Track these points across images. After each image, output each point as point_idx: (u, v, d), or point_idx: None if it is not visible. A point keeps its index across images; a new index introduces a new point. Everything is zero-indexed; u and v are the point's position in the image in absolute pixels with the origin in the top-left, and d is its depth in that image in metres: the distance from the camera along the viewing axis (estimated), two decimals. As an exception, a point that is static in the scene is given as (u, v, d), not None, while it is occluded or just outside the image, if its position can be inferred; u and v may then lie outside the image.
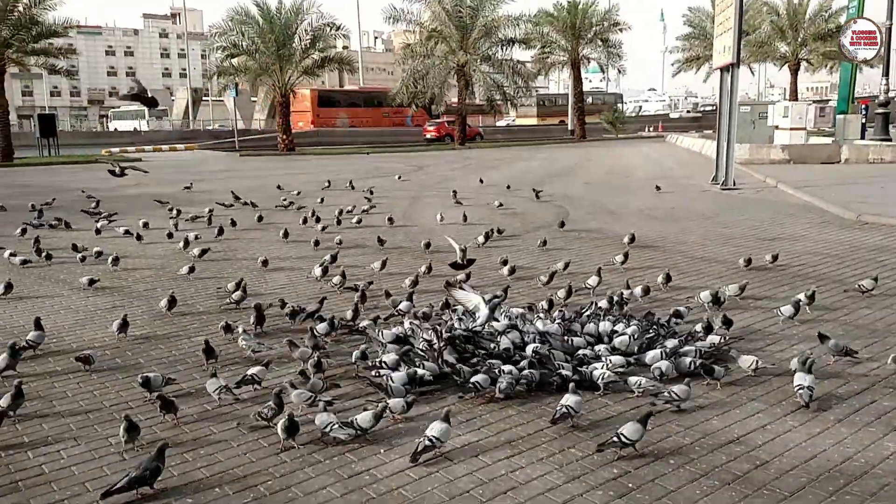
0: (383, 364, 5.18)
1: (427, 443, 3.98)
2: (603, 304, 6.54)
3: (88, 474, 3.90)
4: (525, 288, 7.87)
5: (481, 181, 19.36)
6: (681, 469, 3.87)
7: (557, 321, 6.04)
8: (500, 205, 14.53)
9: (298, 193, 16.94)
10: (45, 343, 5.95)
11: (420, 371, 5.00)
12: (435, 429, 4.02)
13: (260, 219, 12.77)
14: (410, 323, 6.04)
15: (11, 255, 9.59)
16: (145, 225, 12.25)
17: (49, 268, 9.33)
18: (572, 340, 5.63)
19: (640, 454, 4.01)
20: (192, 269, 8.65)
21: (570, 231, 11.58)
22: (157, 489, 3.69)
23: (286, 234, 11.07)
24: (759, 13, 45.12)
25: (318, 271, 8.37)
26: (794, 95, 48.07)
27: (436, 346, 5.37)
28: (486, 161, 30.21)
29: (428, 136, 47.46)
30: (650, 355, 5.25)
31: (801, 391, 4.60)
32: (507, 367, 4.99)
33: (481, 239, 10.42)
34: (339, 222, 12.35)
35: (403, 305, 6.59)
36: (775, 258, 8.73)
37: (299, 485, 3.77)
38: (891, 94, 23.93)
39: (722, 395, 4.84)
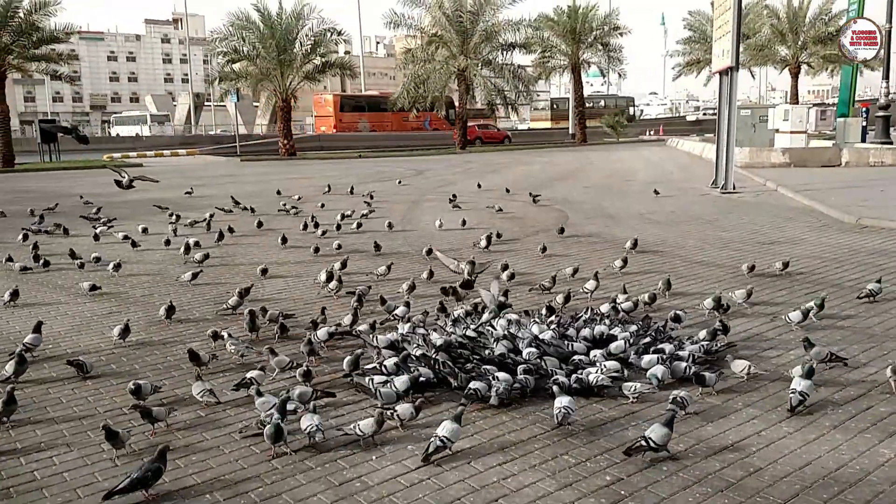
0: (384, 368, 5.15)
1: (438, 443, 4.01)
2: (605, 308, 6.53)
3: (80, 480, 3.89)
4: (526, 293, 7.83)
5: (479, 186, 19.37)
6: (674, 476, 3.85)
7: (553, 327, 6.02)
8: (500, 209, 14.52)
9: (299, 198, 16.95)
10: (41, 348, 5.96)
11: (421, 374, 4.97)
12: (446, 429, 4.05)
13: (260, 224, 12.75)
14: (406, 329, 6.03)
15: (8, 260, 9.61)
16: (144, 230, 12.28)
17: (47, 274, 9.33)
18: (573, 345, 5.62)
19: (659, 459, 3.99)
20: (195, 276, 8.58)
21: (570, 236, 11.56)
22: (152, 494, 3.70)
23: (284, 240, 11.06)
24: (759, 16, 45.19)
25: (323, 277, 8.15)
26: (794, 99, 48.08)
27: (430, 352, 5.36)
28: (487, 165, 30.23)
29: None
30: (645, 360, 5.23)
31: (791, 395, 4.59)
32: (501, 375, 4.97)
33: (483, 242, 10.41)
34: (339, 227, 12.35)
35: (399, 311, 6.58)
36: (786, 266, 8.43)
37: (290, 492, 3.76)
38: (891, 97, 23.89)
39: (717, 400, 4.82)
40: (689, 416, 4.53)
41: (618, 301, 6.73)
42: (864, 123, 26.20)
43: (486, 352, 5.48)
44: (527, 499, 3.66)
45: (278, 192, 17.91)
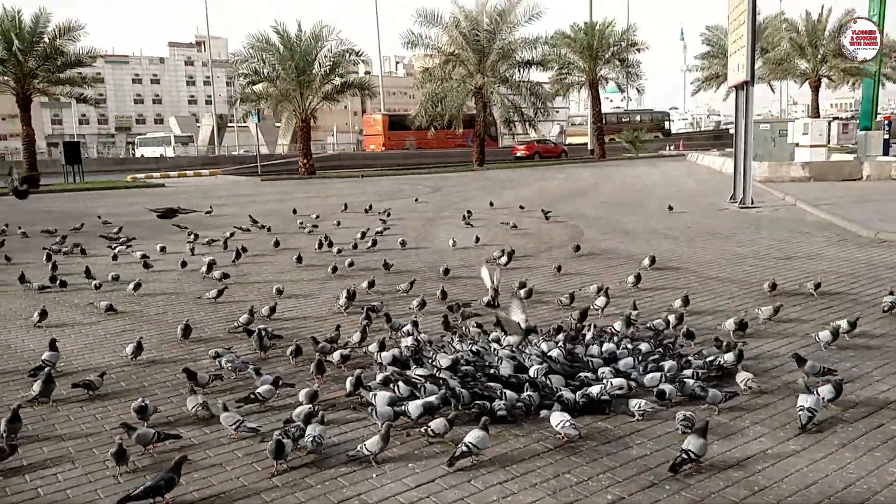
0: (398, 388, 5.13)
1: (464, 448, 4.10)
2: (617, 325, 6.48)
3: (82, 497, 3.94)
4: (544, 309, 7.80)
5: (491, 204, 19.23)
6: (676, 495, 3.80)
7: (560, 345, 5.98)
8: (514, 226, 14.50)
9: (317, 217, 17.04)
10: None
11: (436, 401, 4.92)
12: (473, 436, 4.15)
13: (277, 244, 12.79)
14: (410, 344, 6.05)
15: (20, 279, 9.76)
16: (162, 249, 12.43)
17: (63, 294, 9.47)
18: (592, 362, 5.58)
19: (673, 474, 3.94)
20: (220, 293, 8.73)
21: (584, 254, 11.35)
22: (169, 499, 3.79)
23: (300, 259, 11.12)
24: (778, 30, 44.93)
25: (344, 297, 8.07)
26: (815, 112, 47.66)
27: (437, 372, 5.36)
28: (504, 182, 30.24)
29: (518, 153, 51.27)
30: (648, 377, 5.18)
31: (800, 412, 4.51)
32: (508, 393, 4.94)
33: (504, 259, 10.38)
34: (355, 246, 12.36)
35: (407, 328, 6.59)
36: (818, 286, 8.03)
37: (289, 509, 3.76)
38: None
39: (724, 418, 4.75)
40: (684, 432, 4.46)
41: (631, 316, 6.67)
42: (887, 136, 25.90)
43: (492, 370, 5.46)
44: (525, 517, 3.63)
45: (294, 212, 18.06)
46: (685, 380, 5.03)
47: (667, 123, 71.93)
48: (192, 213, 17.01)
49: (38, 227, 15.75)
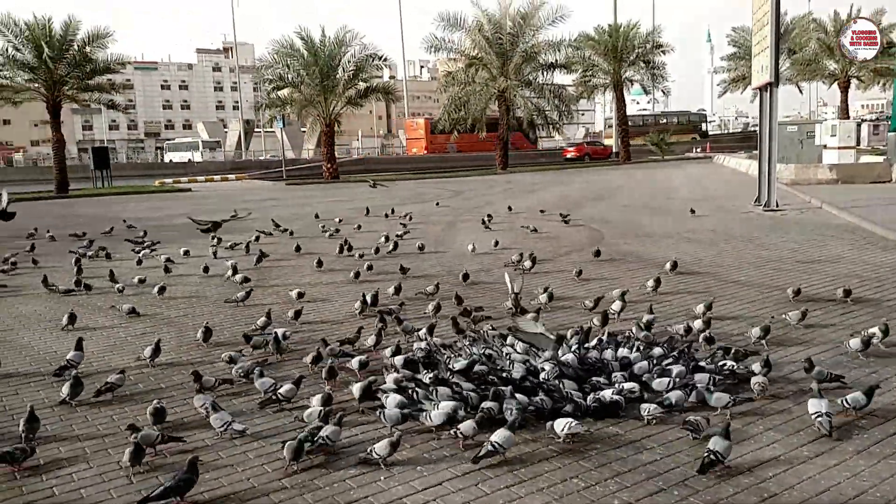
0: (416, 394, 5.15)
1: (490, 447, 4.16)
2: (634, 329, 6.44)
3: (95, 497, 4.01)
4: (564, 313, 7.79)
5: (510, 208, 19.15)
6: (684, 501, 3.77)
7: (573, 350, 5.95)
8: (534, 230, 14.46)
9: (340, 221, 17.13)
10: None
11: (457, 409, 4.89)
12: (499, 435, 4.21)
13: (298, 249, 12.89)
14: (424, 347, 6.08)
15: (43, 282, 9.95)
16: (186, 253, 12.61)
17: (87, 297, 9.63)
18: (609, 365, 5.56)
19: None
20: (248, 294, 8.88)
21: (605, 259, 11.22)
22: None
23: (320, 264, 11.19)
24: (806, 31, 44.36)
25: (367, 300, 8.12)
26: (844, 114, 46.88)
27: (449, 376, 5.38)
28: (526, 185, 30.19)
29: (568, 155, 53.08)
30: (657, 381, 5.15)
31: (819, 419, 4.44)
32: (519, 397, 4.93)
33: (528, 263, 10.36)
34: (377, 251, 12.40)
35: (421, 332, 6.61)
36: (848, 293, 7.81)
37: (297, 511, 3.80)
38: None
39: (737, 423, 4.69)
40: (695, 438, 4.43)
41: (642, 322, 6.62)
42: (918, 138, 25.37)
43: (504, 374, 5.46)
44: (531, 522, 3.62)
45: (316, 216, 18.19)
46: (695, 384, 4.99)
47: (703, 125, 72.17)
48: (234, 219, 17.19)
49: (67, 231, 16.07)
